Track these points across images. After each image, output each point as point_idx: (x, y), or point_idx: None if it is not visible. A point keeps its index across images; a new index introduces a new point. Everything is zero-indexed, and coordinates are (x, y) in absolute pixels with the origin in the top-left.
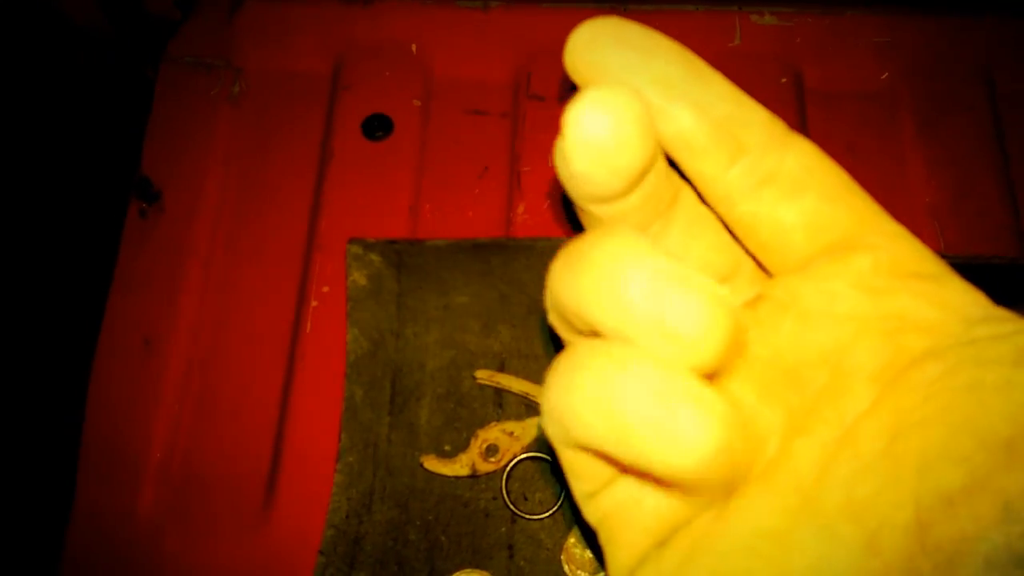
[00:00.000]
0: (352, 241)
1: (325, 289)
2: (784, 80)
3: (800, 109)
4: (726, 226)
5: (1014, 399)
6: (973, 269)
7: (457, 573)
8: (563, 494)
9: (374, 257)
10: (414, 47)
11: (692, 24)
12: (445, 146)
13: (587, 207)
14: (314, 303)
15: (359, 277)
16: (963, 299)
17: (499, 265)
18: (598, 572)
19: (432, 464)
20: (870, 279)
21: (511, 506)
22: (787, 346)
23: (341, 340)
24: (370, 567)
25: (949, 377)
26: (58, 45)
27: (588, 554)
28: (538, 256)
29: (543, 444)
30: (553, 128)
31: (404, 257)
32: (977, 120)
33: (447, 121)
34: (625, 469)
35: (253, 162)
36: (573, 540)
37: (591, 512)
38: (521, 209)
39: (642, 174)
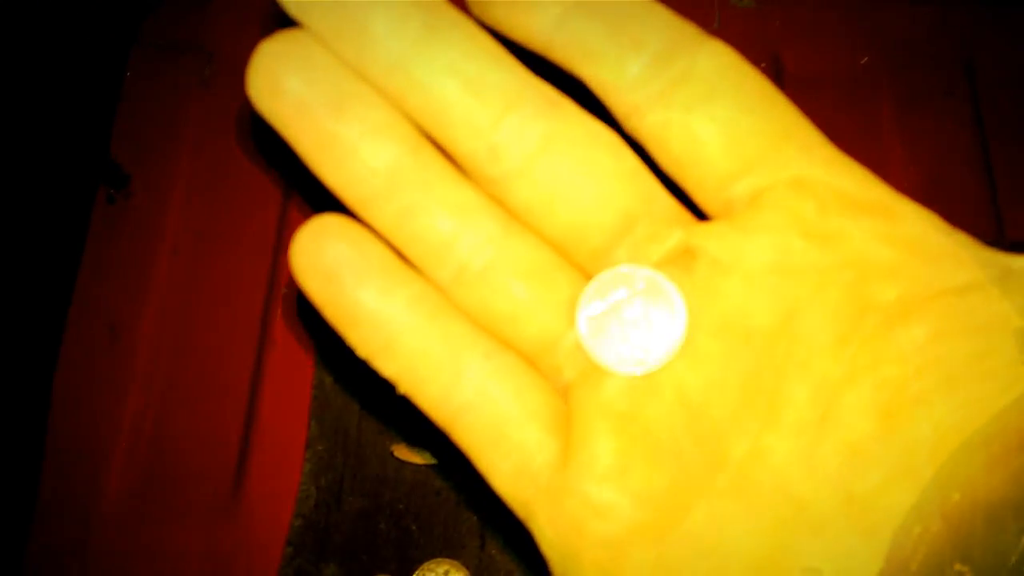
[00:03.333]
0: None
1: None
2: (763, 64)
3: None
4: (659, 164)
5: None
6: None
7: (427, 563)
8: None
9: None
10: None
11: (671, 8)
12: None
13: None
14: (285, 290)
15: None
16: (921, 229)
17: None
18: None
19: (403, 453)
20: (818, 223)
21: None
22: (736, 314)
23: (312, 327)
24: (339, 557)
25: (942, 343)
26: (29, 27)
27: None
28: None
29: None
30: None
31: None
32: (956, 106)
33: None
34: None
35: (224, 147)
36: None
37: None
38: None
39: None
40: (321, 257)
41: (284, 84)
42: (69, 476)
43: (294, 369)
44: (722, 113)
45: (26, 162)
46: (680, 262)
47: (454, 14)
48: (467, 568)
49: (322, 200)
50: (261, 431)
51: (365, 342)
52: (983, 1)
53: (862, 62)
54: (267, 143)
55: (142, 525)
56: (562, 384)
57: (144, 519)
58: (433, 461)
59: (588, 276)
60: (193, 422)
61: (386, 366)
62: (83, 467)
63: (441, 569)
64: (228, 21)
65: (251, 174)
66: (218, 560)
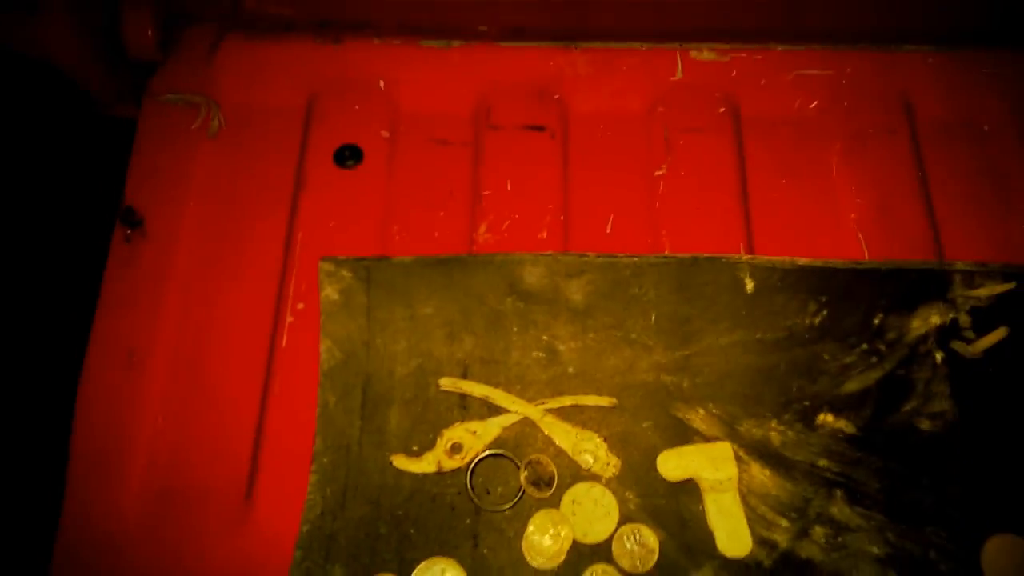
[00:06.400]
0: (324, 259)
1: (300, 306)
2: (722, 110)
3: (737, 135)
4: None
5: None
6: (893, 273)
7: (425, 562)
8: (522, 488)
9: (345, 273)
10: (382, 83)
11: (637, 60)
12: (412, 173)
13: None
14: (290, 319)
15: (331, 292)
16: None
17: (461, 278)
18: (556, 559)
19: (401, 463)
20: None
21: (475, 499)
22: None
23: (315, 352)
24: (344, 559)
25: None
26: (52, 93)
27: (547, 541)
28: (496, 269)
29: (504, 442)
30: (510, 154)
31: (373, 272)
32: (898, 143)
33: (413, 150)
34: None
35: (231, 190)
36: (532, 529)
37: None
38: (483, 228)
39: None
40: None
41: None
42: (91, 491)
43: (300, 390)
44: None
45: (50, 210)
46: None
47: None
48: (462, 566)
49: (320, 241)
50: (270, 447)
51: None
52: (920, 47)
53: (812, 106)
54: (271, 184)
55: (161, 534)
56: None
57: (163, 528)
58: (430, 470)
59: None
60: (207, 440)
61: None
62: (104, 483)
63: (438, 567)
64: (233, 75)
65: (256, 213)
66: (233, 564)
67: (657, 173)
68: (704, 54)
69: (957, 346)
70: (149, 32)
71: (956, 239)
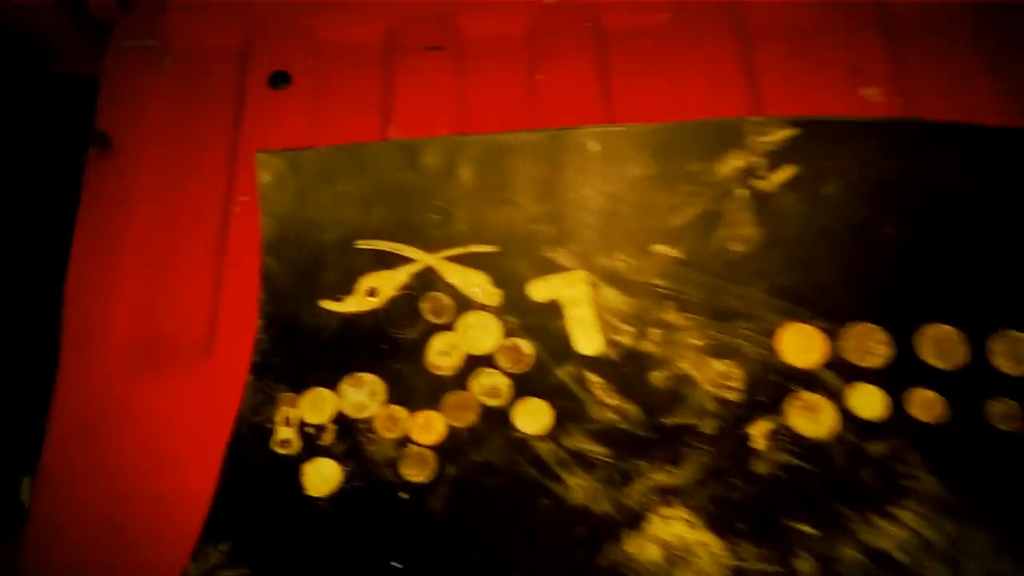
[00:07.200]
0: (259, 151)
1: (244, 199)
2: (589, 25)
3: (599, 45)
4: None
5: None
6: (701, 127)
7: (347, 376)
8: (424, 318)
9: (276, 161)
10: (306, 19)
11: None
12: (334, 90)
13: None
14: (236, 209)
15: (266, 176)
16: None
17: (371, 161)
18: (453, 368)
19: (329, 306)
20: None
21: (388, 330)
22: None
23: (258, 232)
24: (287, 380)
25: None
26: (19, 50)
27: (445, 356)
28: (400, 151)
29: (410, 284)
30: (416, 70)
31: (298, 160)
32: (732, 43)
33: (335, 71)
34: None
35: (184, 113)
36: (433, 348)
37: None
38: (393, 130)
39: None
40: None
41: None
42: (82, 352)
43: (246, 260)
44: None
45: (37, 142)
46: None
47: None
48: (384, 380)
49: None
50: (225, 309)
51: None
52: None
53: (663, 18)
54: (216, 106)
55: (141, 379)
56: None
57: (142, 375)
58: (352, 310)
59: None
60: (174, 307)
61: None
62: (94, 342)
63: (358, 377)
64: (181, 23)
65: (206, 130)
66: (200, 394)
67: (537, 77)
68: None
69: (756, 183)
70: None
71: (775, 111)
